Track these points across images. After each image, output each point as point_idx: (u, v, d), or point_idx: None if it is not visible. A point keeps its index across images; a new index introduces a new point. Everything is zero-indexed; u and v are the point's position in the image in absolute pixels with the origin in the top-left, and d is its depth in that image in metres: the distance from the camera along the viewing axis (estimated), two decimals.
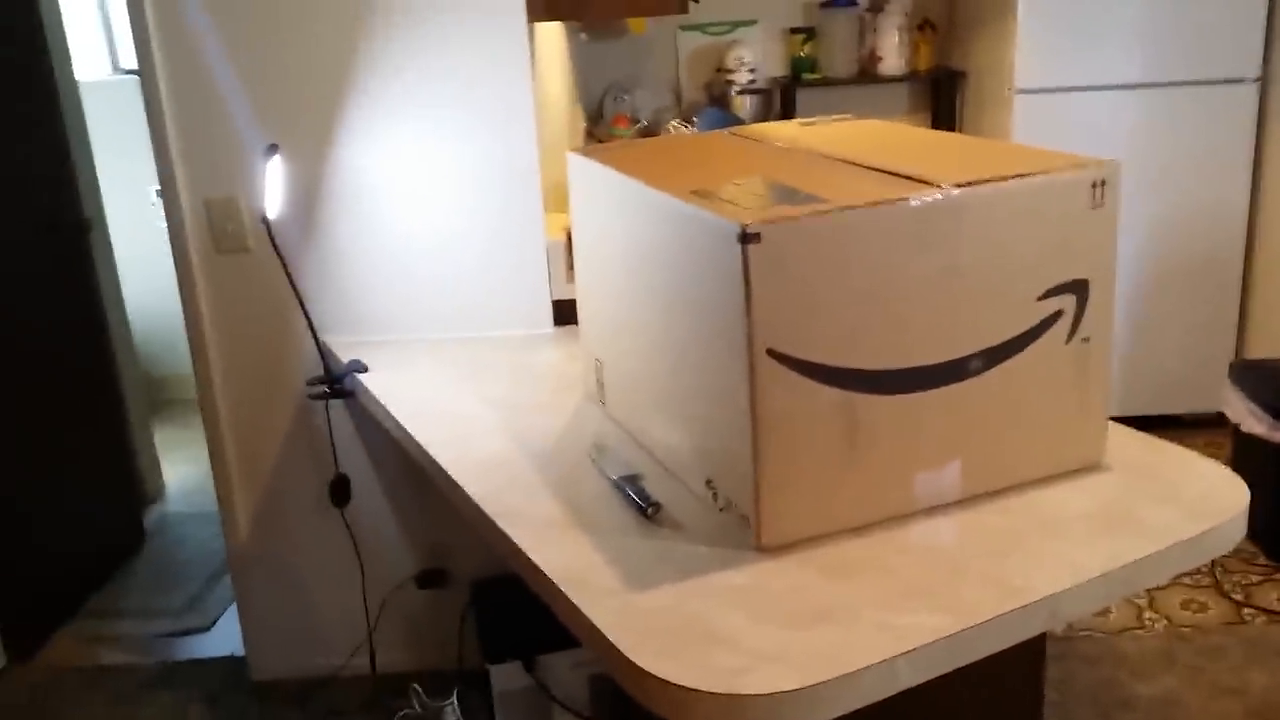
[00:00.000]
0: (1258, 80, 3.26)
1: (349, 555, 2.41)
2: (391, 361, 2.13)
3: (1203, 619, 2.60)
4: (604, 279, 1.71)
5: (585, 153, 1.71)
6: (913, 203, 1.29)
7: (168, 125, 2.15)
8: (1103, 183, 1.38)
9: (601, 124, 3.74)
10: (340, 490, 2.29)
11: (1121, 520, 1.38)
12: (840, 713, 1.13)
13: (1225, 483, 1.47)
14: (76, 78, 3.18)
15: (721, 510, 1.42)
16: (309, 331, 2.23)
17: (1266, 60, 3.26)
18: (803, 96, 3.85)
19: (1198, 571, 2.77)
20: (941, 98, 3.90)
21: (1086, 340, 1.44)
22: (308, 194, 2.18)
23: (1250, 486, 1.44)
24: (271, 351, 2.29)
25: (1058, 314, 1.41)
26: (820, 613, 1.23)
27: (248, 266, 2.23)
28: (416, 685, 2.39)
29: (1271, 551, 2.82)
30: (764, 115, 3.83)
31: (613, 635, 1.20)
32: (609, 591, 1.29)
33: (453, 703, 2.34)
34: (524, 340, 2.22)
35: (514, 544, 1.43)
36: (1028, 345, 1.41)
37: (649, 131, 3.47)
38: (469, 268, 2.23)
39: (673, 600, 1.27)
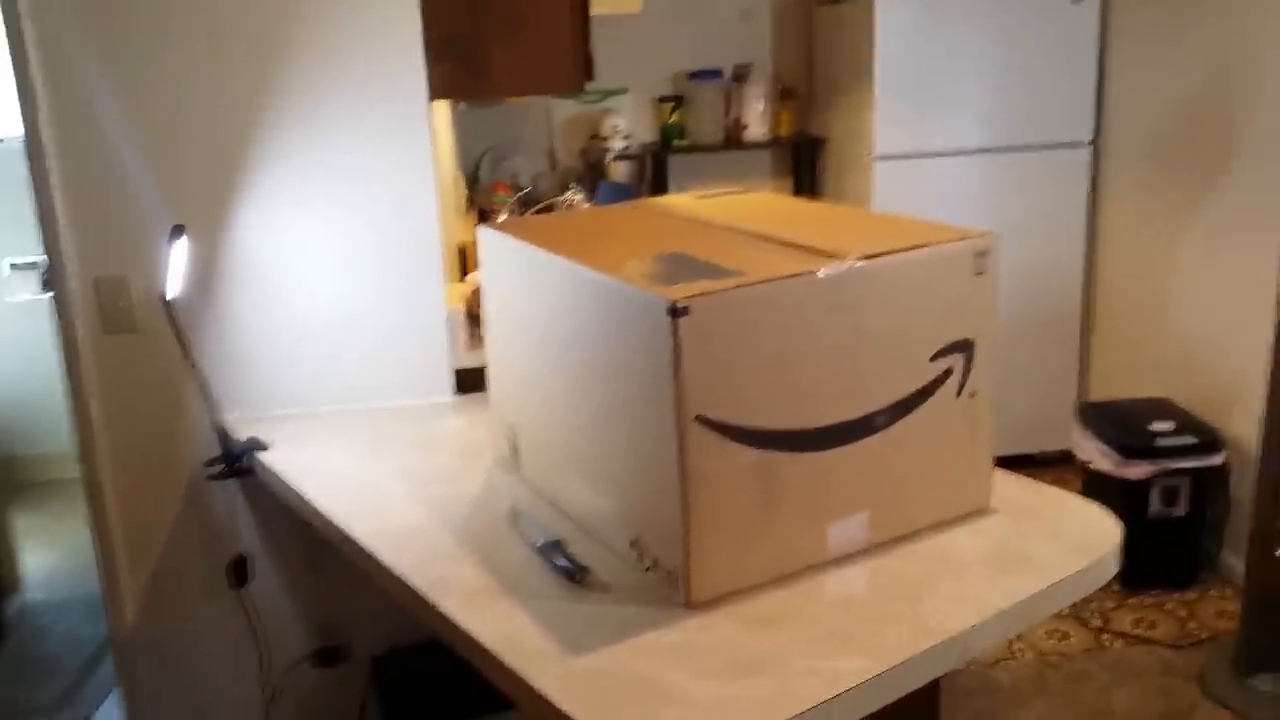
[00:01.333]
0: (1090, 144, 3.57)
1: (241, 636, 2.36)
2: (292, 436, 2.12)
3: (1066, 646, 2.78)
4: (519, 348, 1.76)
5: (498, 228, 1.77)
6: (821, 274, 1.40)
7: (56, 199, 2.10)
8: (985, 252, 1.52)
9: (479, 189, 3.80)
10: (240, 570, 2.25)
11: (1014, 559, 1.51)
12: None
13: (1098, 519, 1.62)
14: None
15: (648, 569, 1.48)
16: (201, 410, 2.19)
17: (1098, 125, 3.57)
18: (674, 162, 4.00)
19: None
20: (803, 162, 4.10)
21: (974, 394, 1.57)
22: (203, 271, 2.16)
23: None
24: (162, 431, 2.24)
25: (948, 371, 1.54)
26: (752, 664, 1.30)
27: (137, 345, 2.19)
28: None
29: (1124, 580, 3.05)
30: (638, 180, 3.96)
31: (560, 701, 1.24)
32: (548, 656, 1.33)
33: None
34: (426, 409, 2.24)
35: (445, 616, 1.45)
36: (924, 401, 1.52)
37: (531, 198, 3.54)
38: (369, 339, 2.25)
39: (612, 662, 1.32)
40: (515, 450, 1.84)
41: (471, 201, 3.67)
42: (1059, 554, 1.52)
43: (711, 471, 1.37)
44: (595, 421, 1.55)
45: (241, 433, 2.13)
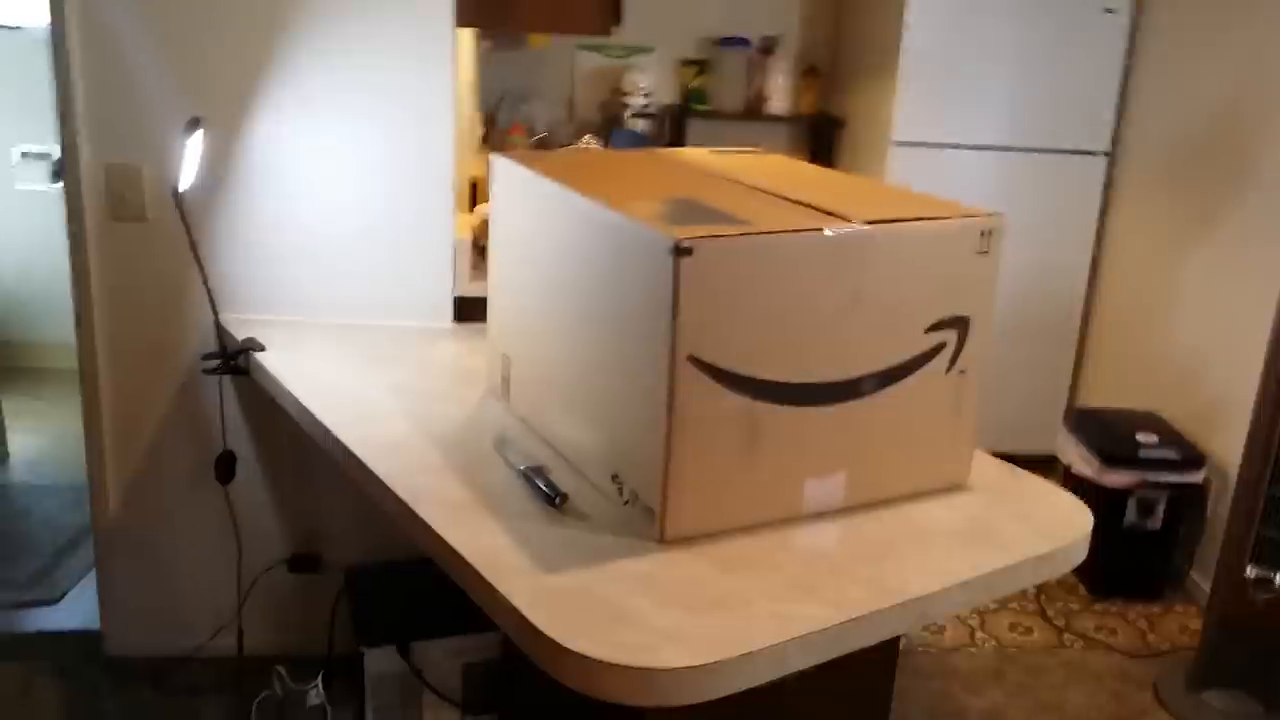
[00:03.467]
0: (1107, 154, 3.58)
1: (219, 534, 2.39)
2: (288, 342, 2.14)
3: (1028, 641, 2.82)
4: (519, 279, 1.78)
5: (512, 157, 1.79)
6: (827, 233, 1.42)
7: (75, 86, 2.11)
8: (990, 231, 1.54)
9: (496, 130, 3.80)
10: (226, 466, 2.28)
11: (983, 535, 1.54)
12: (736, 689, 1.23)
13: (1072, 508, 1.65)
14: None
15: (626, 503, 1.51)
16: (201, 306, 2.21)
17: (1116, 137, 3.58)
18: (693, 126, 4.00)
19: (1024, 598, 3.01)
20: (820, 141, 4.11)
21: (963, 372, 1.59)
22: (217, 167, 2.18)
23: None
24: (161, 323, 2.27)
25: (941, 346, 1.56)
26: (717, 600, 1.33)
27: (144, 235, 2.21)
28: (280, 668, 2.39)
29: (1091, 585, 3.09)
30: (655, 140, 3.96)
31: (528, 613, 1.27)
32: (521, 572, 1.36)
33: (317, 686, 2.36)
34: (424, 332, 2.27)
35: (426, 524, 1.48)
36: (913, 372, 1.55)
37: (545, 143, 3.55)
38: (375, 257, 2.27)
39: (581, 583, 1.35)
40: (506, 380, 1.86)
41: (487, 141, 3.67)
42: (1027, 534, 1.55)
43: (697, 413, 1.40)
44: (588, 356, 1.58)
45: (239, 333, 2.16)
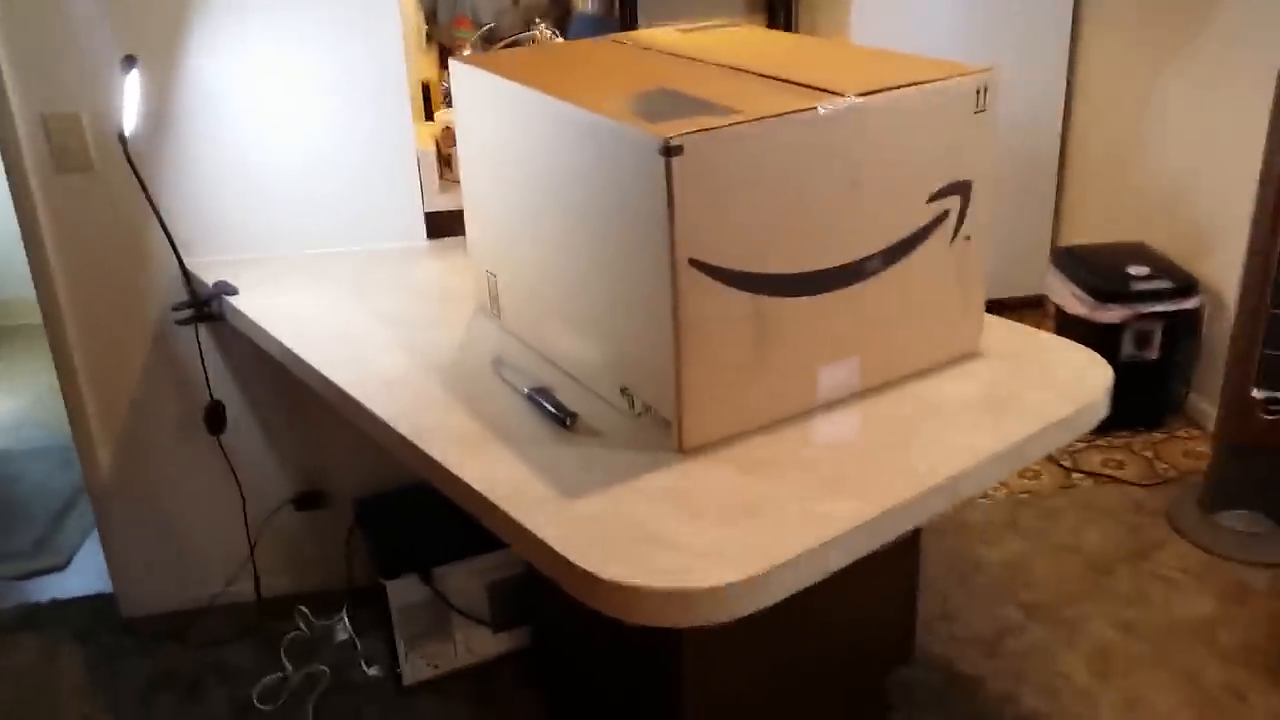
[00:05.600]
0: None
1: (219, 483, 2.34)
2: (262, 280, 2.06)
3: (1037, 485, 2.84)
4: (498, 192, 1.69)
5: (472, 61, 1.68)
6: (821, 111, 1.34)
7: None
8: (985, 89, 1.46)
9: (438, 26, 3.61)
10: (216, 417, 2.22)
11: (1004, 404, 1.50)
12: (779, 598, 1.21)
13: (1089, 364, 1.62)
14: None
15: (639, 416, 1.46)
16: (165, 253, 2.12)
17: None
18: (643, 1, 3.82)
19: None
20: (778, 2, 3.94)
21: (969, 238, 1.54)
22: (160, 106, 2.05)
23: None
24: (124, 275, 2.17)
25: (944, 214, 1.50)
26: (748, 507, 1.30)
27: (93, 185, 2.09)
28: (302, 607, 2.38)
29: None
30: (608, 20, 3.78)
31: (557, 544, 1.23)
32: (542, 501, 1.32)
33: (342, 620, 2.35)
34: (400, 254, 2.18)
35: (436, 463, 1.43)
36: (918, 245, 1.49)
37: (494, 35, 3.38)
38: (338, 180, 2.16)
39: (606, 505, 1.31)
40: (495, 298, 1.79)
41: (431, 37, 3.50)
42: (1050, 398, 1.52)
43: (704, 316, 1.34)
44: (582, 267, 1.51)
45: (209, 276, 2.07)
